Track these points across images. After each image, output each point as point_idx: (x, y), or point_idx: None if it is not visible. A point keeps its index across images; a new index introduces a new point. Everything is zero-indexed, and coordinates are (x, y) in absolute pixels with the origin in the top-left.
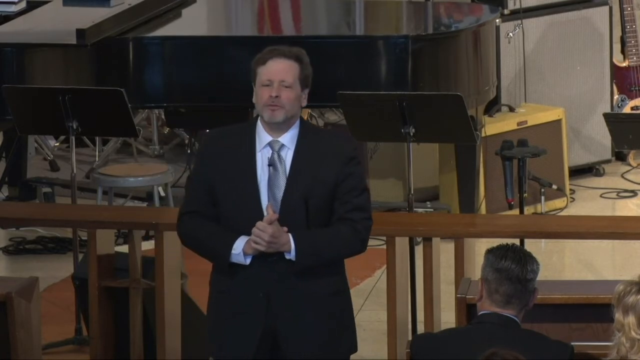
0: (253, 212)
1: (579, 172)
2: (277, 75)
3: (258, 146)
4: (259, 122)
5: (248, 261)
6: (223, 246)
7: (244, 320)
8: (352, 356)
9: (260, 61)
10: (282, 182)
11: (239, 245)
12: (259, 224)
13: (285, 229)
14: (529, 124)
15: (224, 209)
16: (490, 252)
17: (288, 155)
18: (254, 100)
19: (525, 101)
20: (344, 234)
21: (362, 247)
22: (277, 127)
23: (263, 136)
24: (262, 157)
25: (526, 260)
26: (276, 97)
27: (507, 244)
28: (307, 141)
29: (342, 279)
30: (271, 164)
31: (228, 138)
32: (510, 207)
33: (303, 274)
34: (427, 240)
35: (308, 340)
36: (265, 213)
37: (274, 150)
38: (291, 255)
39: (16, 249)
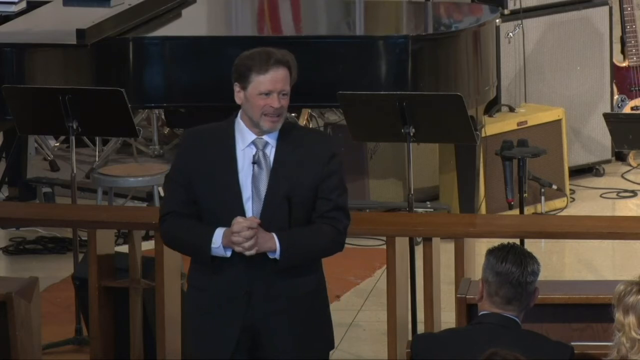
0: (235, 211)
1: (579, 172)
2: (278, 85)
3: (240, 144)
4: (239, 120)
5: (229, 253)
6: (202, 241)
7: (223, 318)
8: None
9: (258, 69)
10: (265, 180)
11: (218, 238)
12: (236, 227)
13: (272, 234)
14: (529, 124)
15: (206, 208)
16: (491, 253)
17: (271, 153)
18: (239, 102)
19: (525, 101)
20: (327, 234)
21: (341, 247)
22: None
23: (246, 134)
24: (244, 155)
25: (527, 263)
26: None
27: (508, 243)
28: (288, 138)
29: (320, 277)
30: (256, 162)
31: (207, 137)
32: (510, 207)
33: (283, 272)
34: (427, 240)
35: (288, 339)
36: (249, 214)
37: (258, 148)
38: (275, 255)
39: (16, 249)
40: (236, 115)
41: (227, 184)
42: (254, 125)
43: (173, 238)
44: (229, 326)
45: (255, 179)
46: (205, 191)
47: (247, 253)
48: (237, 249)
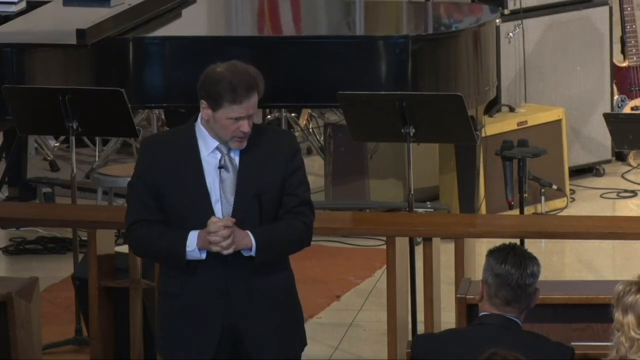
0: (205, 213)
1: (579, 172)
2: (250, 111)
3: (204, 150)
4: (200, 126)
5: (204, 256)
6: (177, 245)
7: (202, 320)
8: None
9: (232, 99)
10: (233, 183)
11: (192, 241)
12: (212, 227)
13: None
14: (529, 124)
15: (174, 213)
16: (491, 254)
17: (236, 155)
18: (206, 117)
19: (526, 101)
20: (297, 229)
21: (309, 243)
22: None
23: (209, 141)
24: (209, 160)
25: (526, 264)
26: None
27: (508, 244)
28: (251, 139)
29: (290, 274)
30: (223, 166)
31: (168, 143)
32: (510, 207)
33: (257, 270)
34: (427, 240)
35: (269, 337)
36: (219, 216)
37: (223, 153)
38: (251, 252)
39: (16, 249)
40: (195, 120)
41: (195, 188)
42: (218, 135)
43: (144, 246)
44: (209, 327)
45: (222, 183)
46: (173, 196)
47: (225, 252)
48: (215, 248)
